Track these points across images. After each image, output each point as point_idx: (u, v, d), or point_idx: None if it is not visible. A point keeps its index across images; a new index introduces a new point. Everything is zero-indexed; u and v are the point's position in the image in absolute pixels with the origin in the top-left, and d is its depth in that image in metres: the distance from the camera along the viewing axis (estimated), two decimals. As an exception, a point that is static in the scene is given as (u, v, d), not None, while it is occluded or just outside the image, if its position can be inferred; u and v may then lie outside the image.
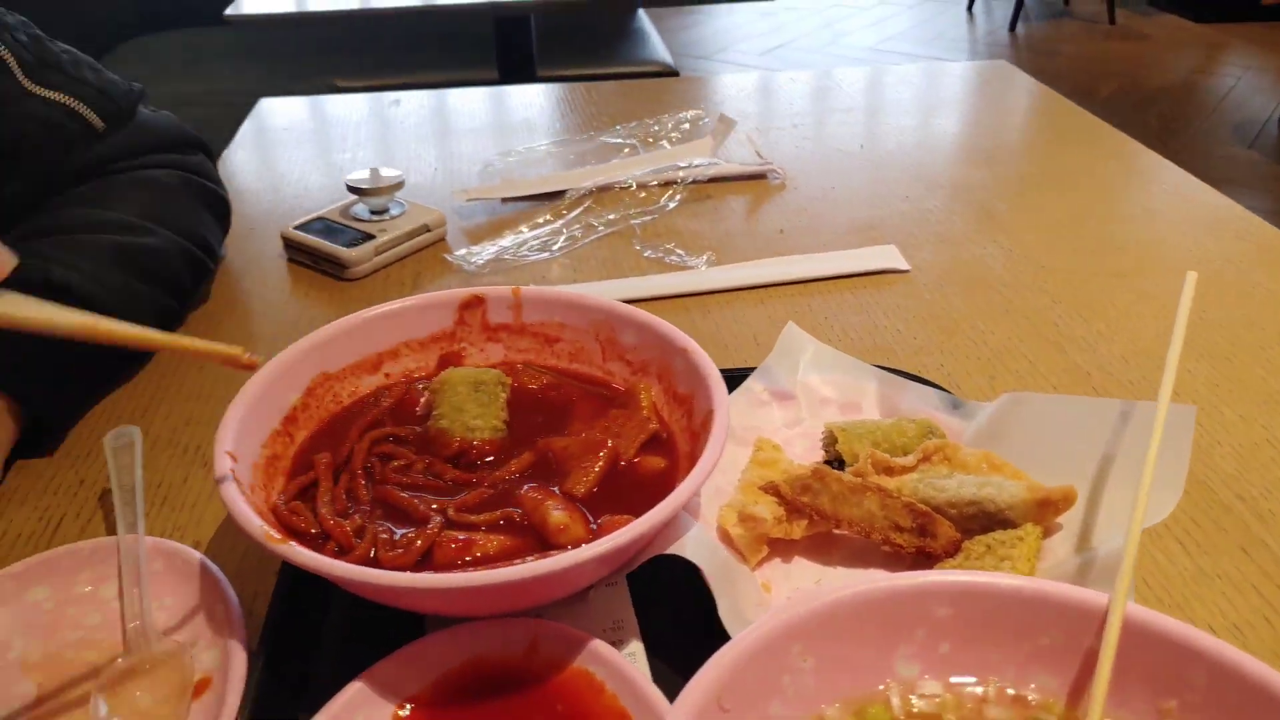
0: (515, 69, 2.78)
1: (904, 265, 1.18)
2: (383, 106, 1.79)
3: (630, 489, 0.75)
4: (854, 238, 1.26)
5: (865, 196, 1.38)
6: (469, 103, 1.82)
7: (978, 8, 6.79)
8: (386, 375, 0.86)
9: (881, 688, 0.59)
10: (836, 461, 0.81)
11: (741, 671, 0.55)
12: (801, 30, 6.49)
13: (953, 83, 1.91)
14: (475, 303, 0.88)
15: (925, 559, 0.74)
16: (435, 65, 2.93)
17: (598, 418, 0.82)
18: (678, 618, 0.72)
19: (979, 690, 0.59)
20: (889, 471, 0.78)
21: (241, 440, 0.72)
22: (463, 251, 1.22)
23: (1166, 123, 4.89)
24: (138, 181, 1.07)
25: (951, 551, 0.73)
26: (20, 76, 0.94)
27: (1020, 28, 6.39)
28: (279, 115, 1.74)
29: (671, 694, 0.61)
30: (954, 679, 0.59)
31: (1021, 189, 1.39)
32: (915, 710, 0.58)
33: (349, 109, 1.79)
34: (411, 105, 1.78)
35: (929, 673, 0.60)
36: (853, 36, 6.39)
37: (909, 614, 0.59)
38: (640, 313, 0.85)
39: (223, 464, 0.69)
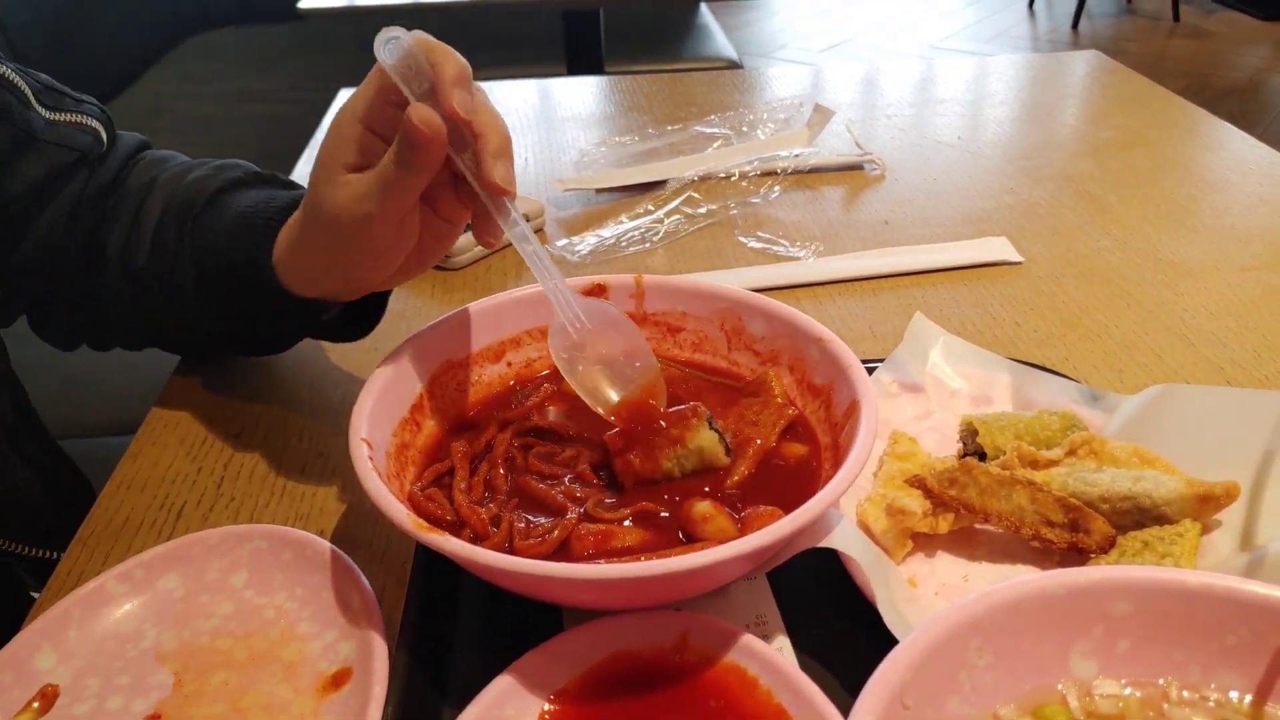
0: (583, 65, 2.77)
1: (1017, 257, 1.15)
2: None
3: (772, 480, 0.73)
4: (963, 229, 1.23)
5: (969, 188, 1.35)
6: (558, 93, 1.81)
7: (1039, 5, 6.68)
8: (509, 364, 0.85)
9: (1059, 687, 0.56)
10: (977, 455, 0.78)
11: (922, 668, 0.52)
12: (859, 28, 6.43)
13: (1047, 74, 1.86)
14: (597, 291, 0.86)
15: (1077, 555, 0.71)
16: (502, 63, 2.92)
17: (727, 409, 0.80)
18: (819, 612, 0.70)
19: (1159, 690, 0.56)
20: (1034, 465, 0.76)
21: (374, 428, 0.71)
22: (564, 242, 1.21)
23: (1235, 121, 4.77)
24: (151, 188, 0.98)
25: (1105, 548, 0.70)
26: (38, 106, 0.90)
27: (1083, 25, 6.27)
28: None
29: (824, 689, 0.60)
30: (1133, 678, 0.57)
31: (1133, 180, 1.35)
32: (1097, 712, 0.56)
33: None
34: (499, 95, 1.78)
35: (1106, 671, 0.57)
36: (912, 34, 6.31)
37: (1087, 610, 0.56)
38: (770, 301, 0.83)
39: (361, 451, 0.68)
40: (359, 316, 0.90)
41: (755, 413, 0.77)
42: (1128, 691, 0.56)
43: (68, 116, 0.92)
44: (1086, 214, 1.26)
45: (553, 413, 0.81)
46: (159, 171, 0.94)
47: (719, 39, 3.17)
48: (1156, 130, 1.52)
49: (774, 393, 0.79)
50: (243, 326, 0.89)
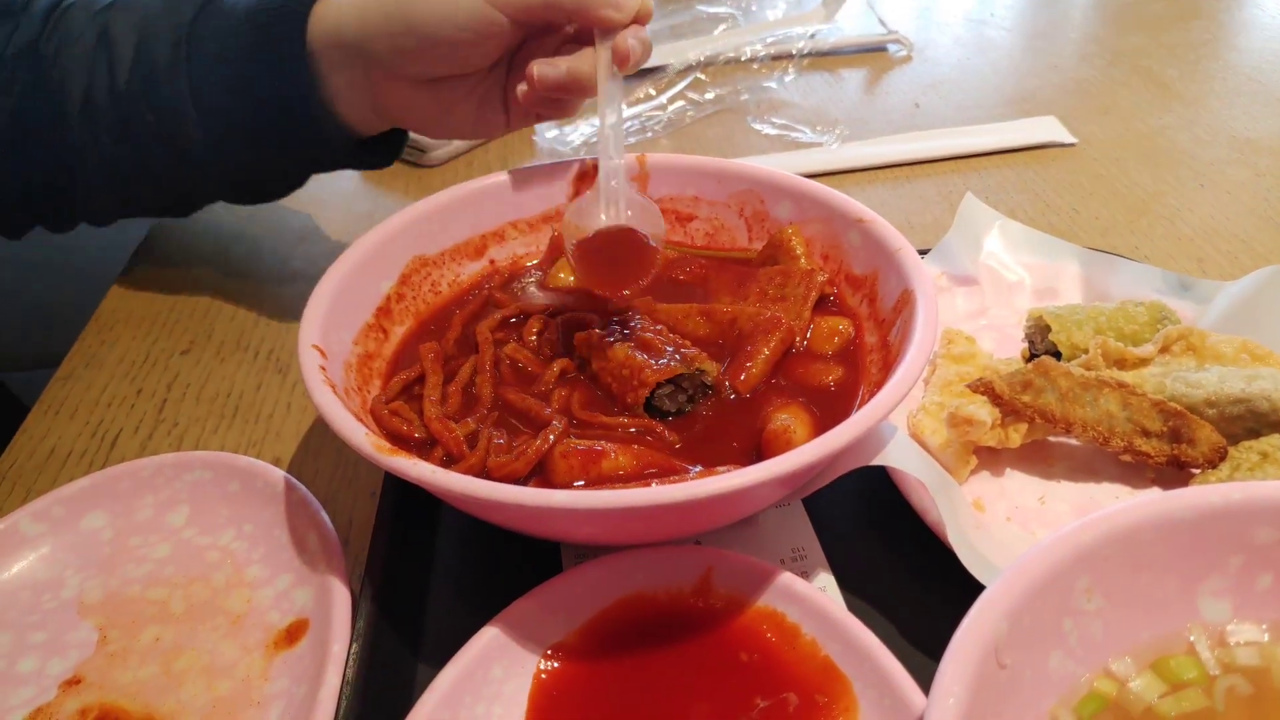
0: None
1: (1069, 138, 1.02)
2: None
3: (808, 376, 0.61)
4: (1004, 110, 1.10)
5: (1008, 67, 1.21)
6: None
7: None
8: (492, 261, 0.72)
9: (1187, 635, 0.45)
10: (1050, 355, 0.66)
11: (1021, 615, 0.41)
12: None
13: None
14: (594, 173, 0.73)
15: (1177, 470, 0.60)
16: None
17: (743, 287, 0.67)
18: (868, 543, 0.59)
19: (1312, 636, 0.45)
20: (1122, 364, 0.63)
21: (330, 334, 0.59)
22: (553, 134, 1.07)
23: None
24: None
25: (1215, 461, 0.58)
26: None
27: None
28: None
29: (878, 636, 0.48)
30: (1276, 622, 0.45)
31: (1192, 54, 1.21)
32: (1235, 663, 0.44)
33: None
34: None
35: (1243, 613, 0.46)
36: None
37: (1221, 538, 0.45)
38: (798, 179, 0.70)
39: (311, 360, 0.55)
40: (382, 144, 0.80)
41: (778, 286, 0.65)
42: (1270, 638, 0.45)
43: None
44: (1144, 91, 1.12)
45: (539, 297, 0.69)
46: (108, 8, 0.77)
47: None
48: (1210, 1, 1.37)
49: (795, 254, 0.66)
50: (267, 157, 0.76)
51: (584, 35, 0.69)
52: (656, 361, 0.58)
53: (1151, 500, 0.44)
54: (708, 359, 0.59)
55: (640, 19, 0.67)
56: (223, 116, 0.72)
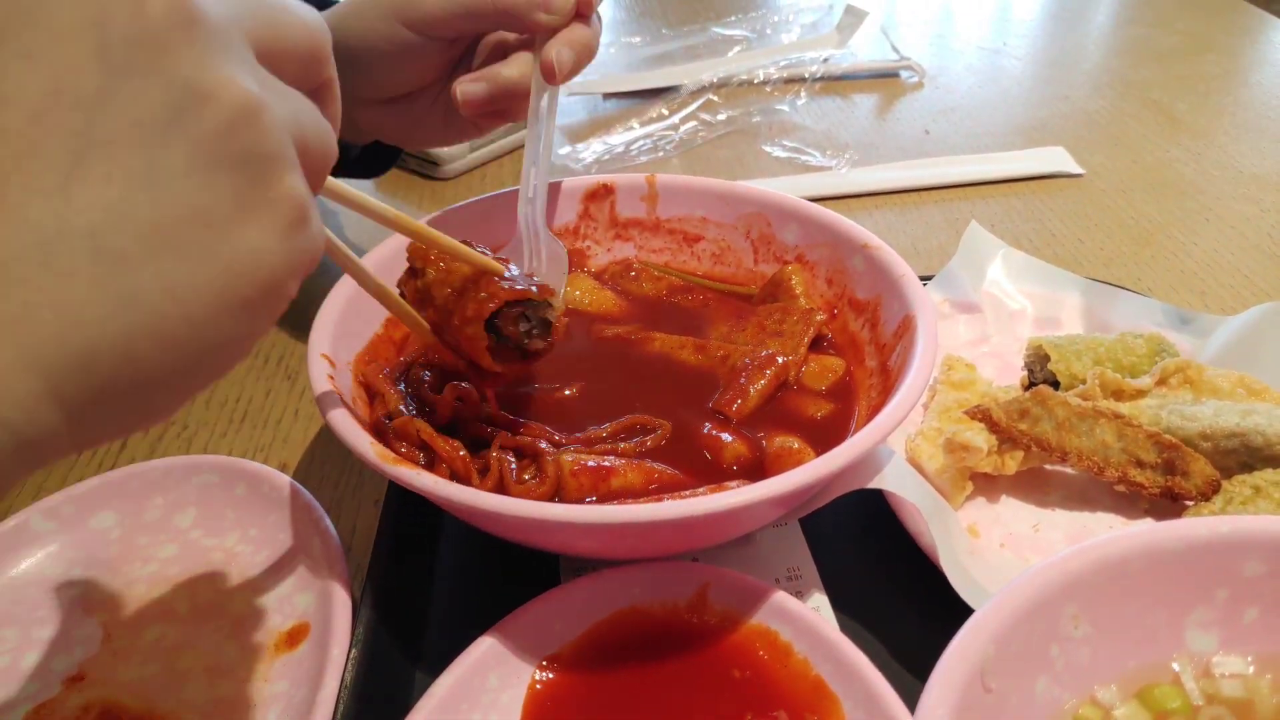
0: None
1: (1076, 169, 1.03)
2: None
3: (802, 406, 0.61)
4: (1013, 140, 1.11)
5: (1019, 96, 1.22)
6: None
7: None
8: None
9: (1172, 664, 0.45)
10: (1048, 384, 0.67)
11: (1008, 641, 0.42)
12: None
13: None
14: (603, 192, 0.75)
15: (1171, 502, 0.60)
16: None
17: (743, 321, 0.68)
18: (862, 565, 0.60)
19: (1296, 669, 0.46)
20: (1119, 396, 0.64)
21: (339, 343, 0.60)
22: (566, 150, 1.09)
23: None
24: None
25: (1208, 493, 0.59)
26: None
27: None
28: None
29: (870, 657, 0.49)
30: (1262, 654, 0.46)
31: (1203, 88, 1.22)
32: (1219, 695, 0.45)
33: None
34: None
35: (1229, 646, 0.46)
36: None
37: (1210, 570, 0.45)
38: (805, 204, 0.71)
39: (320, 369, 0.56)
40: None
41: (776, 322, 0.66)
42: (1255, 670, 0.45)
43: None
44: (1153, 124, 1.13)
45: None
46: None
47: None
48: (1225, 37, 1.38)
49: (794, 293, 0.67)
50: None
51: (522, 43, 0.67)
52: (506, 282, 0.54)
53: (1141, 531, 0.45)
54: (558, 298, 0.57)
55: (581, 12, 0.65)
56: None
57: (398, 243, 0.65)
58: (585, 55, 0.65)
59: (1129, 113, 1.16)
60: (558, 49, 0.63)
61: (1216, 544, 0.45)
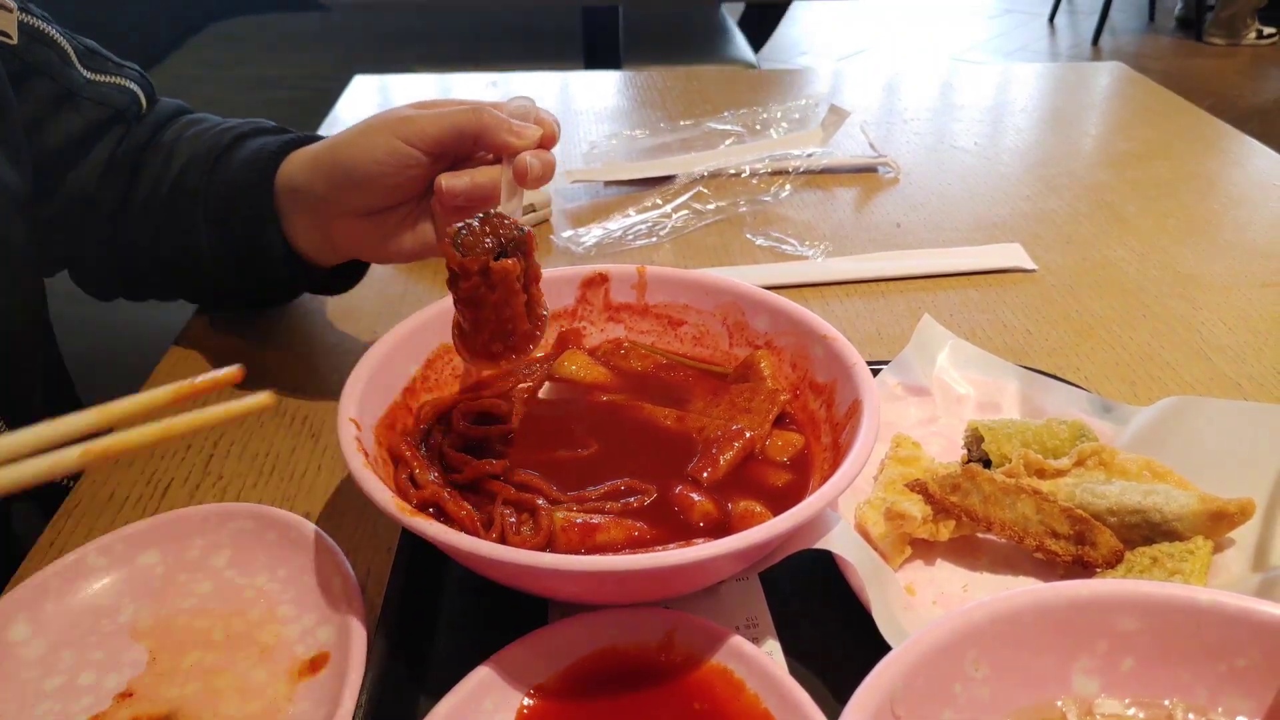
0: (601, 64, 2.75)
1: (1030, 264, 1.13)
2: (479, 88, 1.77)
3: (764, 475, 0.71)
4: (975, 235, 1.21)
5: (984, 194, 1.33)
6: (570, 86, 1.79)
7: (1060, 20, 6.63)
8: (506, 351, 0.83)
9: (1059, 704, 0.54)
10: (981, 462, 0.76)
11: (915, 676, 0.50)
12: (880, 38, 6.40)
13: (1068, 83, 1.84)
14: (599, 280, 0.85)
15: (1082, 569, 0.69)
16: (517, 58, 2.90)
17: (718, 398, 0.78)
18: (812, 616, 0.68)
19: (1164, 712, 0.54)
20: (1041, 474, 0.73)
21: (365, 409, 0.69)
22: (569, 234, 1.19)
23: (1261, 141, 4.72)
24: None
25: (1112, 562, 0.68)
26: (79, 67, 0.94)
27: (1105, 41, 6.22)
28: (373, 94, 1.72)
29: (813, 696, 0.58)
30: (1136, 698, 0.54)
31: (1152, 192, 1.32)
32: (1096, 731, 0.53)
33: (444, 89, 1.77)
34: (510, 88, 1.76)
35: (1109, 690, 0.54)
36: (933, 45, 6.28)
37: (1091, 624, 0.54)
38: (774, 297, 0.81)
39: (348, 431, 0.66)
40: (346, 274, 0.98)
41: (746, 399, 0.75)
42: (1131, 712, 0.54)
43: (107, 78, 0.96)
44: (1103, 224, 1.24)
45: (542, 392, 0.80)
46: (194, 127, 0.98)
47: (739, 42, 3.14)
48: (1179, 143, 1.49)
49: (763, 374, 0.77)
50: (247, 267, 0.92)
51: (499, 160, 0.81)
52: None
53: (1031, 590, 0.54)
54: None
55: (544, 144, 0.79)
56: (218, 246, 0.90)
57: None
58: (548, 172, 0.79)
59: (1083, 213, 1.26)
60: (529, 157, 0.77)
61: (1095, 602, 0.54)
